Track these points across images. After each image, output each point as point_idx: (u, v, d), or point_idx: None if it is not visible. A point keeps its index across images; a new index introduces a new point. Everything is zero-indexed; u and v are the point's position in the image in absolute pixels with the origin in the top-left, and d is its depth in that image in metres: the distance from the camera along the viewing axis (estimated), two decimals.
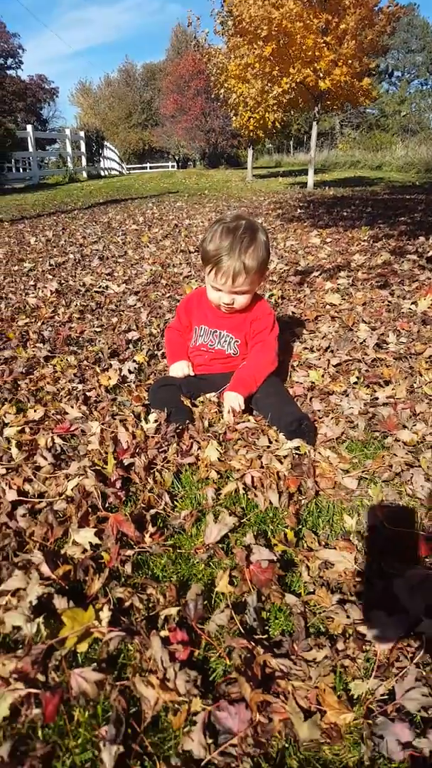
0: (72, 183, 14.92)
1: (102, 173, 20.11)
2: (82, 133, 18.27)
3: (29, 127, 14.68)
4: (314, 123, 11.15)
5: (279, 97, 10.41)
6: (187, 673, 0.81)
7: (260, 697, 0.76)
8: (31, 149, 14.45)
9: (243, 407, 1.59)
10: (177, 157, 32.74)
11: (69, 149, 17.11)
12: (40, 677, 0.83)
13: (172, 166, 33.23)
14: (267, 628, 0.92)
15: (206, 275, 1.66)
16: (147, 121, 41.19)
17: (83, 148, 18.09)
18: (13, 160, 14.69)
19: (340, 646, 0.86)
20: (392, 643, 0.82)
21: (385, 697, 0.78)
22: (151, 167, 34.10)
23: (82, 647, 0.88)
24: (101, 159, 20.24)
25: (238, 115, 13.58)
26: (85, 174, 17.45)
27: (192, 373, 1.75)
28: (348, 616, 0.90)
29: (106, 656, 0.86)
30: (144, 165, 35.38)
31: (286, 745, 0.74)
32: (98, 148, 19.33)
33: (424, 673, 0.79)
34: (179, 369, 1.75)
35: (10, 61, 38.15)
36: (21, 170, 16.31)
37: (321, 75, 9.46)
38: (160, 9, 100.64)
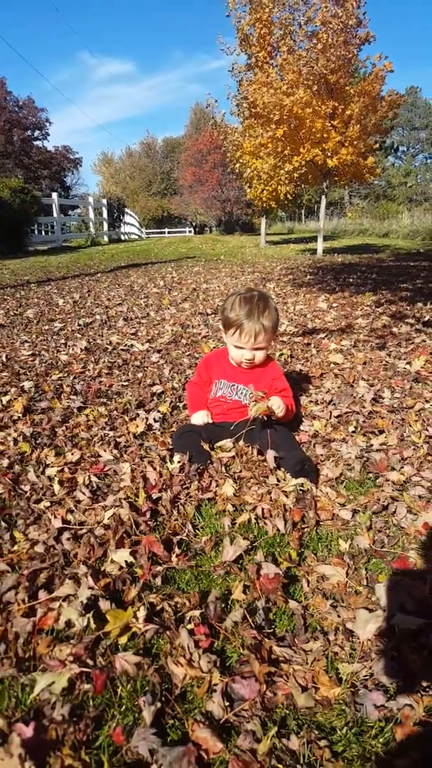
0: (93, 246, 15.81)
1: (122, 237, 21.26)
2: (104, 201, 19.49)
3: (54, 195, 15.75)
4: (323, 196, 11.92)
5: (290, 173, 11.20)
6: (208, 656, 1.02)
7: (266, 669, 0.97)
8: (55, 214, 15.44)
9: (282, 410, 1.84)
10: (194, 224, 34.41)
11: (92, 215, 18.23)
12: (90, 661, 1.03)
13: (189, 232, 34.90)
14: (273, 626, 1.12)
15: (229, 338, 1.96)
16: (166, 189, 43.63)
17: (105, 214, 19.25)
18: (36, 225, 15.69)
19: (331, 638, 1.07)
20: (372, 633, 1.03)
21: (366, 676, 0.98)
22: (169, 232, 35.83)
23: (123, 639, 1.09)
24: (122, 224, 21.46)
25: (252, 187, 14.49)
26: (106, 238, 18.49)
27: (211, 421, 2.00)
28: (339, 616, 1.11)
29: (143, 645, 1.07)
30: (162, 230, 37.19)
31: (288, 712, 0.93)
32: (119, 215, 20.55)
33: (395, 654, 0.99)
34: (200, 418, 2.00)
35: (37, 133, 40.99)
36: (44, 233, 17.36)
37: (329, 154, 10.25)
38: (180, 88, 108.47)
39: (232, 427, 1.90)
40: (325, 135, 10.03)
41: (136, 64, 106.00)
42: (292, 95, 9.61)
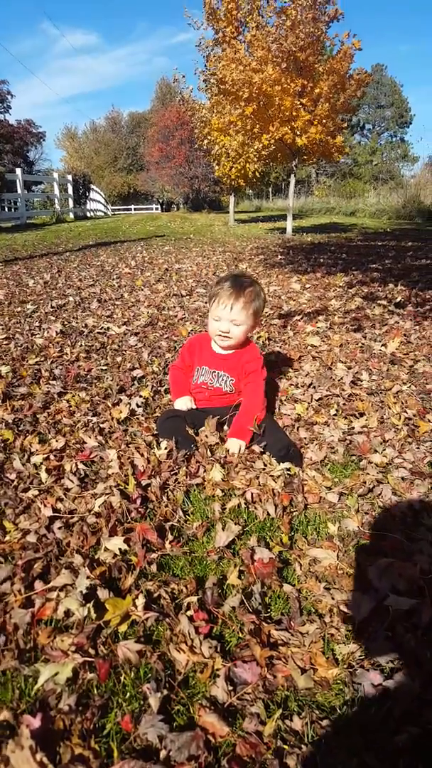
0: (59, 224, 15.38)
1: (88, 214, 20.73)
2: (69, 177, 18.93)
3: (18, 170, 15.18)
4: (292, 174, 11.87)
5: (259, 151, 11.10)
6: (209, 642, 1.04)
7: (267, 653, 1.00)
8: (19, 191, 14.91)
9: (243, 450, 1.80)
10: (161, 201, 33.79)
11: (57, 191, 17.68)
12: (92, 650, 1.04)
13: (156, 209, 34.26)
14: (269, 610, 1.15)
15: (210, 311, 1.94)
16: (132, 165, 42.60)
17: (70, 191, 18.71)
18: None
19: (327, 620, 1.10)
20: (366, 614, 1.07)
21: (362, 656, 1.02)
22: (135, 209, 35.10)
23: (123, 627, 1.10)
24: (88, 201, 20.91)
25: (220, 164, 14.32)
26: (72, 215, 18.01)
27: (194, 407, 2.00)
28: (333, 598, 1.15)
29: (143, 633, 1.09)
30: (129, 207, 36.39)
31: (288, 693, 0.97)
32: (85, 191, 20.01)
33: (390, 634, 1.03)
34: (183, 403, 2.00)
35: None
36: (8, 210, 16.77)
37: (298, 133, 10.19)
38: (146, 61, 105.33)
39: (212, 416, 1.91)
40: (294, 113, 9.94)
41: (101, 35, 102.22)
42: (261, 72, 9.46)
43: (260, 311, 1.96)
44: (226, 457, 1.75)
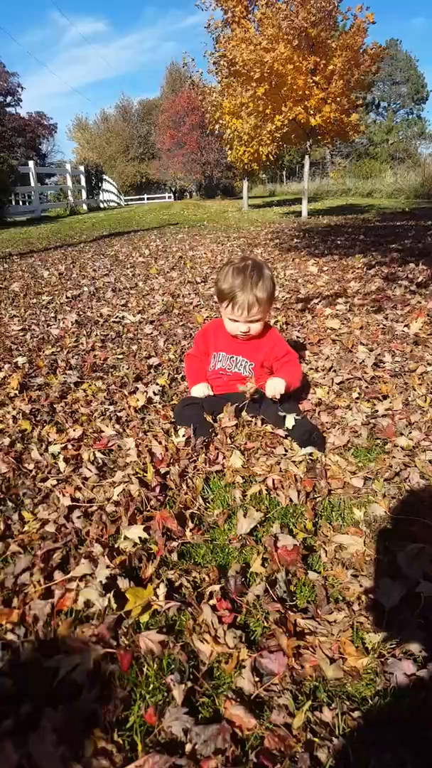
0: (73, 216, 15.39)
1: (101, 205, 20.72)
2: (82, 168, 18.89)
3: (31, 163, 15.21)
4: (306, 156, 11.65)
5: (272, 132, 10.89)
6: (233, 632, 1.01)
7: (294, 642, 0.96)
8: (33, 184, 14.93)
9: (282, 392, 1.80)
10: (174, 189, 33.59)
11: (69, 183, 17.69)
12: (113, 641, 1.02)
13: (169, 197, 34.07)
14: (295, 598, 1.12)
15: (223, 309, 1.90)
16: (144, 154, 42.35)
17: (83, 182, 18.69)
18: (13, 195, 15.17)
19: (355, 608, 1.06)
20: (397, 601, 1.02)
21: (393, 644, 0.98)
22: (148, 198, 34.95)
23: (144, 618, 1.07)
24: (100, 192, 20.87)
25: (232, 149, 14.10)
26: (85, 207, 18.00)
27: (212, 393, 1.96)
28: (361, 585, 1.11)
29: (165, 623, 1.06)
30: (142, 196, 36.24)
31: (317, 684, 0.93)
32: (97, 182, 19.97)
33: (422, 622, 0.99)
34: (200, 390, 1.96)
35: (9, 99, 39.30)
36: (22, 203, 16.83)
37: (311, 112, 9.97)
38: (155, 47, 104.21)
39: (231, 402, 1.87)
40: (307, 92, 9.73)
41: (109, 23, 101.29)
42: (272, 51, 9.25)
43: (273, 294, 1.90)
44: (246, 443, 1.71)
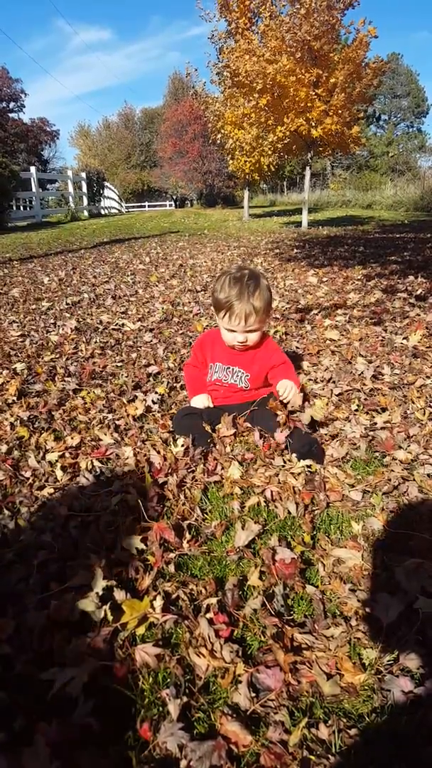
0: (74, 222, 15.44)
1: (102, 212, 20.79)
2: (83, 174, 18.99)
3: (33, 169, 15.26)
4: (307, 167, 11.74)
5: (274, 143, 10.98)
6: (230, 646, 1.00)
7: (291, 658, 0.96)
8: (34, 189, 14.99)
9: (295, 392, 1.82)
10: (175, 197, 33.72)
11: (71, 189, 17.77)
12: (109, 654, 1.01)
13: (170, 205, 34.21)
14: (292, 612, 1.11)
15: (220, 320, 1.87)
16: (145, 162, 42.56)
17: (84, 188, 18.78)
18: (14, 200, 15.20)
19: (353, 623, 1.06)
20: (395, 617, 1.02)
21: (391, 661, 0.97)
22: (149, 206, 35.11)
23: (141, 630, 1.06)
24: (101, 198, 20.96)
25: (234, 159, 14.21)
26: (86, 213, 18.08)
27: (211, 405, 1.96)
28: (358, 600, 1.10)
29: (161, 636, 1.05)
30: (143, 204, 36.39)
31: (314, 700, 0.92)
32: (99, 188, 20.06)
33: (420, 639, 0.98)
34: (200, 401, 1.95)
35: (12, 104, 39.48)
36: (23, 209, 16.88)
37: (313, 124, 10.06)
38: (159, 56, 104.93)
39: (229, 413, 1.87)
40: (309, 104, 9.82)
41: (114, 32, 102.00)
42: (275, 63, 9.36)
43: (270, 303, 1.89)
44: (244, 454, 1.71)
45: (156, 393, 2.21)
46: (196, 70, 15.72)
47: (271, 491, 1.49)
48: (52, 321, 3.55)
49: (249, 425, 1.89)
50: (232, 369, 1.94)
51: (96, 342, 3.01)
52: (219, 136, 14.07)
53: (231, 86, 11.62)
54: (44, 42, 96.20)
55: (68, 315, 3.71)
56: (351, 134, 10.64)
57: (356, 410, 1.99)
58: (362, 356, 2.53)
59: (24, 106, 39.87)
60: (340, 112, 10.00)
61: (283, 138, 10.62)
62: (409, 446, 1.69)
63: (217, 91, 14.13)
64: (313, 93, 9.86)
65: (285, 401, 1.81)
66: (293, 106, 9.89)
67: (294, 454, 1.66)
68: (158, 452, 1.70)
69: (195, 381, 2.04)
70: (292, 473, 1.56)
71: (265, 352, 1.94)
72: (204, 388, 2.01)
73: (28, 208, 16.66)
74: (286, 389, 1.82)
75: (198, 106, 17.05)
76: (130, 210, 29.75)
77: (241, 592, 1.15)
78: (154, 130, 40.98)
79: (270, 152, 12.58)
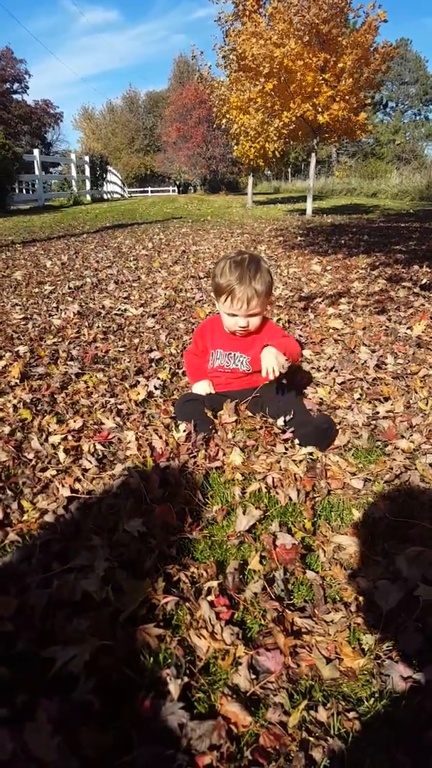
0: (76, 206, 15.32)
1: (105, 197, 20.63)
2: (86, 158, 18.79)
3: (36, 152, 15.10)
4: (313, 154, 11.61)
5: (279, 129, 10.85)
6: (231, 629, 1.01)
7: (291, 641, 0.97)
8: (37, 172, 14.84)
9: (282, 363, 1.72)
10: (178, 182, 33.45)
11: (74, 172, 17.60)
12: (110, 634, 1.02)
13: (173, 191, 33.95)
14: (292, 597, 1.12)
15: (221, 305, 1.85)
16: (149, 146, 42.19)
17: (87, 172, 18.59)
18: (17, 183, 15.08)
19: (352, 609, 1.07)
20: (395, 604, 1.02)
21: (390, 647, 0.98)
22: (152, 191, 34.82)
23: (142, 610, 1.07)
24: (104, 183, 20.77)
25: (239, 144, 14.02)
26: (88, 197, 17.92)
27: (213, 391, 1.95)
28: (358, 586, 1.11)
29: (163, 617, 1.06)
30: (146, 189, 36.12)
31: (313, 683, 0.93)
32: (102, 172, 19.87)
33: (420, 626, 0.99)
34: (202, 388, 1.95)
35: (16, 85, 39.07)
36: (26, 192, 16.74)
37: (320, 110, 9.92)
38: (165, 38, 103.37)
39: (231, 399, 1.86)
40: (316, 89, 9.68)
41: (121, 12, 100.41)
42: (282, 47, 9.20)
43: (271, 287, 1.87)
44: (245, 440, 1.71)
45: (158, 378, 2.20)
46: (201, 53, 15.51)
47: (273, 477, 1.50)
48: (54, 305, 3.53)
49: (249, 413, 1.89)
50: (233, 354, 1.93)
51: (98, 326, 3.00)
52: (224, 120, 13.87)
53: (237, 70, 11.44)
54: (49, 22, 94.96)
55: (71, 299, 3.70)
56: (358, 121, 10.51)
57: (359, 399, 1.99)
58: (366, 345, 2.52)
59: (28, 87, 39.57)
60: (347, 97, 9.87)
61: (288, 123, 10.49)
62: (411, 436, 1.69)
63: (223, 74, 13.92)
64: (321, 78, 9.72)
65: (276, 375, 1.73)
66: (300, 90, 9.75)
67: (309, 429, 1.66)
68: (160, 437, 1.70)
69: (196, 368, 2.04)
70: (294, 460, 1.57)
71: (266, 334, 1.91)
72: (205, 375, 2.00)
73: (30, 192, 16.54)
74: (270, 368, 1.72)
75: (203, 90, 16.80)
76: (132, 195, 29.53)
77: (241, 576, 1.16)
78: (159, 114, 40.55)
79: (275, 138, 12.39)
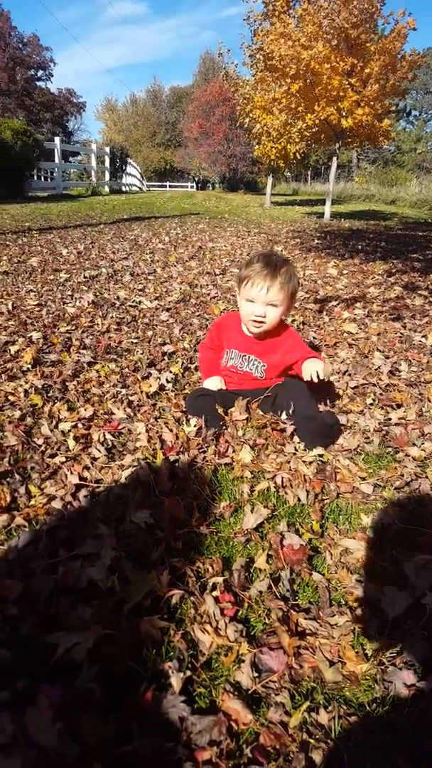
0: (94, 196, 15.34)
1: (123, 189, 20.65)
2: (107, 149, 18.82)
3: (57, 140, 15.13)
4: (334, 158, 11.56)
5: (302, 131, 10.82)
6: (235, 625, 1.01)
7: (296, 642, 0.96)
8: (57, 160, 14.87)
9: (328, 372, 1.79)
10: (197, 179, 33.42)
11: (94, 163, 17.64)
12: (114, 623, 1.01)
13: (191, 187, 33.95)
14: (297, 598, 1.11)
15: (242, 291, 1.82)
16: (170, 141, 42.18)
17: (107, 163, 18.62)
18: (36, 170, 15.11)
19: (358, 613, 1.06)
20: (402, 611, 1.01)
21: (394, 653, 0.97)
22: (170, 186, 34.84)
23: (147, 602, 1.07)
24: (123, 175, 20.80)
25: (260, 144, 13.99)
26: (107, 188, 17.95)
27: (225, 387, 1.94)
28: (365, 591, 1.10)
29: (167, 610, 1.05)
30: (164, 183, 36.16)
31: (315, 685, 0.93)
32: (121, 164, 19.89)
33: (426, 634, 0.98)
34: (213, 384, 1.93)
35: (40, 73, 39.11)
36: (44, 179, 16.79)
37: (344, 114, 9.88)
38: (193, 34, 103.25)
39: (243, 397, 1.86)
40: (341, 93, 9.63)
41: (150, 4, 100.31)
42: (310, 49, 9.16)
43: (296, 293, 1.86)
44: (256, 439, 1.70)
45: (170, 372, 2.20)
46: (228, 50, 15.36)
47: (282, 477, 1.49)
48: (69, 293, 3.54)
49: (261, 412, 1.88)
50: (248, 357, 1.91)
51: (112, 317, 3.00)
52: (247, 119, 13.84)
53: (263, 70, 11.40)
54: (77, 12, 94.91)
55: (86, 288, 3.70)
56: (381, 127, 10.45)
57: (371, 404, 1.98)
58: (380, 351, 2.50)
59: (52, 75, 39.56)
60: (372, 103, 9.81)
61: (312, 126, 10.45)
62: (423, 444, 1.68)
63: (249, 74, 13.89)
64: (347, 82, 9.66)
65: (317, 381, 1.77)
66: (325, 94, 9.70)
67: (308, 435, 1.65)
68: (170, 430, 1.70)
69: (209, 362, 2.02)
70: (304, 461, 1.56)
71: (286, 341, 1.90)
72: (218, 371, 1.99)
73: (49, 179, 16.59)
74: (314, 371, 1.77)
75: (228, 88, 16.74)
76: (150, 189, 29.55)
77: (247, 574, 1.15)
78: (182, 110, 40.50)
79: (297, 140, 12.36)
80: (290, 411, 1.76)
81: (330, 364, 1.79)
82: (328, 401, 2.01)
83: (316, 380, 1.76)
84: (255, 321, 1.80)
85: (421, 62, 10.24)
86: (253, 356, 1.90)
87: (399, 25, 9.70)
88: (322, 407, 1.89)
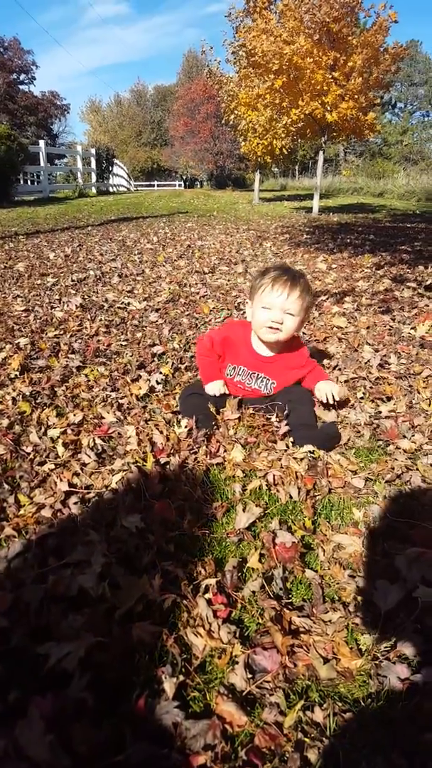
0: (81, 198, 15.28)
1: (110, 189, 20.58)
2: (93, 150, 18.75)
3: (41, 143, 15.08)
4: (320, 152, 11.56)
5: (287, 126, 10.81)
6: (228, 627, 1.00)
7: (289, 641, 0.95)
8: (42, 164, 14.82)
9: (342, 394, 1.85)
10: (184, 177, 33.34)
11: (80, 165, 17.57)
12: (106, 630, 1.00)
13: (179, 185, 33.89)
14: (291, 596, 1.11)
15: (257, 297, 1.75)
16: (156, 140, 42.10)
17: (93, 165, 18.56)
18: (22, 174, 15.03)
19: (351, 608, 1.05)
20: (393, 604, 1.01)
21: (388, 648, 0.97)
22: (158, 185, 34.77)
23: (138, 607, 1.06)
24: (110, 176, 20.72)
25: (246, 140, 13.98)
26: (94, 190, 17.89)
27: (226, 392, 1.88)
28: (357, 586, 1.10)
29: (159, 614, 1.05)
30: (152, 183, 36.08)
31: (309, 683, 0.92)
32: (108, 165, 19.82)
33: (418, 627, 0.98)
34: (216, 388, 1.85)
35: (23, 76, 38.91)
36: (30, 183, 16.70)
37: (328, 108, 9.88)
38: (177, 32, 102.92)
39: (245, 403, 1.86)
40: (325, 87, 9.63)
41: (131, 5, 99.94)
42: (292, 44, 9.15)
43: (311, 308, 1.83)
44: (247, 437, 1.70)
45: (160, 373, 2.19)
46: (211, 48, 15.34)
47: (273, 475, 1.48)
48: (57, 297, 3.52)
49: (252, 410, 1.86)
50: (257, 375, 1.86)
51: (101, 320, 2.98)
52: (232, 116, 13.83)
53: (246, 66, 11.39)
54: (58, 13, 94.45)
55: (73, 292, 3.68)
56: (366, 120, 10.45)
57: (361, 398, 1.97)
58: (369, 344, 2.50)
59: (35, 78, 39.43)
60: (356, 96, 9.82)
61: (297, 121, 10.43)
62: (413, 436, 1.67)
63: (232, 70, 13.87)
64: (330, 76, 9.66)
65: (332, 403, 1.82)
66: (309, 88, 9.70)
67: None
68: (161, 432, 1.69)
69: (210, 368, 1.90)
70: (295, 458, 1.55)
71: (298, 361, 1.87)
72: (220, 375, 1.90)
73: (35, 183, 16.52)
74: (330, 392, 1.81)
75: (212, 86, 16.72)
76: (138, 188, 29.47)
77: (240, 574, 1.15)
78: (167, 108, 40.41)
79: (283, 135, 12.37)
80: (285, 413, 1.75)
81: (344, 386, 1.82)
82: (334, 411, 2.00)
83: (331, 402, 1.80)
84: (271, 327, 1.73)
85: (404, 54, 10.26)
86: (263, 374, 1.86)
87: (380, 18, 9.71)
88: (328, 416, 1.86)
